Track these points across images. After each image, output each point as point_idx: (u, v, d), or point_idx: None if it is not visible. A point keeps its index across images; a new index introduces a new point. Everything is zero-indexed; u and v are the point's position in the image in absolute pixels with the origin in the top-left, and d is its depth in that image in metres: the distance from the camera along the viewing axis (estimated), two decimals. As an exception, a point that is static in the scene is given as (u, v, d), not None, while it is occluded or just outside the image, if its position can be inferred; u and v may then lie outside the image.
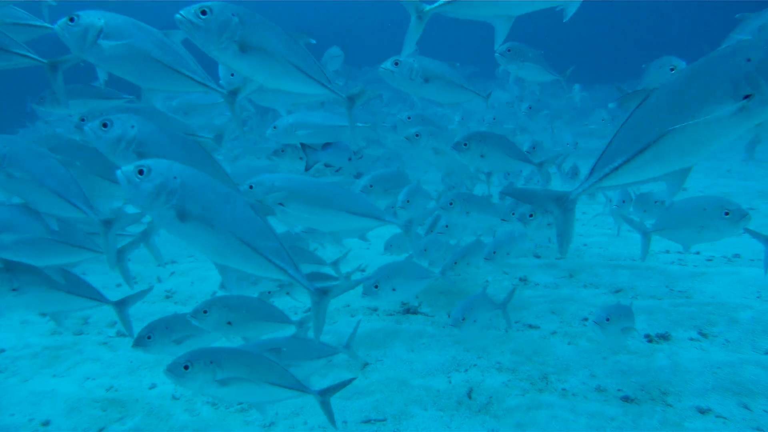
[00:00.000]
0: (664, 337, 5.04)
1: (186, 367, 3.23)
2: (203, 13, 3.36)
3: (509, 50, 5.71)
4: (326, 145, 5.19)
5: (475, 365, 4.79)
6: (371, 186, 5.48)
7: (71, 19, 3.46)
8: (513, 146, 5.25)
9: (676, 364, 4.57)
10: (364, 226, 4.50)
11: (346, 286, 3.72)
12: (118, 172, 2.94)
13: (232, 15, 3.41)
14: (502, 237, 5.89)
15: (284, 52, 3.60)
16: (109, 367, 5.15)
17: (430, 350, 5.10)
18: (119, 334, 5.81)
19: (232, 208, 3.08)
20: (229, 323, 4.00)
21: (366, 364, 4.92)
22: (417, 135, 5.73)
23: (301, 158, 5.46)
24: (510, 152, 5.18)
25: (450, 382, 4.57)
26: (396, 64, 4.62)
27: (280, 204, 3.92)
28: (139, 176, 2.91)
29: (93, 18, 3.49)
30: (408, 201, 5.40)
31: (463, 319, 4.50)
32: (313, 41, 3.78)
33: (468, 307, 4.57)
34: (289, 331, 4.27)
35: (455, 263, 5.59)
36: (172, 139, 3.73)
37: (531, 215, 5.10)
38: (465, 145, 5.01)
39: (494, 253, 5.69)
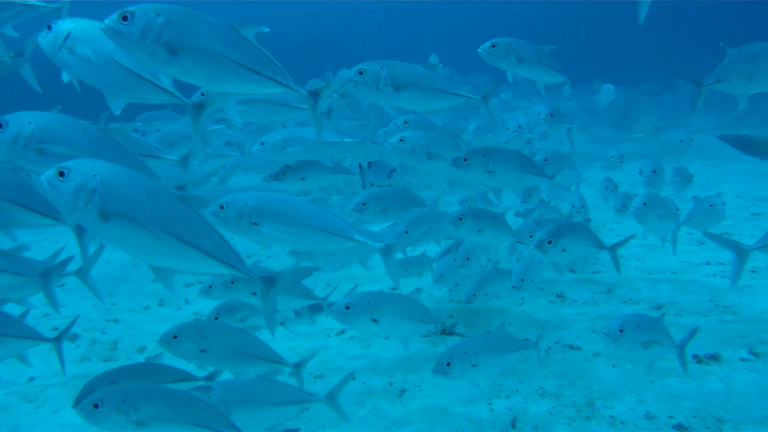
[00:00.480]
0: (714, 357, 4.80)
1: (96, 406, 2.92)
2: (124, 18, 3.04)
3: (494, 46, 4.77)
4: (370, 164, 4.94)
5: (517, 391, 4.60)
6: (365, 204, 4.92)
7: (48, 28, 3.45)
8: (525, 160, 4.84)
9: (730, 388, 4.34)
10: (336, 247, 4.02)
11: (294, 275, 3.49)
12: (42, 178, 2.70)
13: (156, 15, 3.05)
14: (529, 261, 5.48)
15: (224, 49, 3.20)
16: (140, 396, 5.04)
17: (469, 374, 4.92)
18: (149, 360, 5.70)
19: (159, 204, 2.83)
20: (202, 351, 3.68)
21: (404, 391, 4.75)
22: (401, 140, 5.10)
23: (303, 179, 5.17)
24: (523, 167, 4.78)
25: (492, 411, 4.38)
26: (360, 74, 4.12)
27: (255, 224, 3.52)
28: (60, 178, 2.66)
29: (64, 24, 3.44)
30: (407, 232, 4.81)
31: (448, 365, 3.69)
32: (266, 29, 3.32)
33: (461, 351, 3.77)
34: (277, 368, 3.93)
35: (474, 296, 5.29)
36: (78, 131, 3.41)
37: (550, 242, 4.60)
38: (465, 160, 4.55)
39: (522, 280, 5.34)
